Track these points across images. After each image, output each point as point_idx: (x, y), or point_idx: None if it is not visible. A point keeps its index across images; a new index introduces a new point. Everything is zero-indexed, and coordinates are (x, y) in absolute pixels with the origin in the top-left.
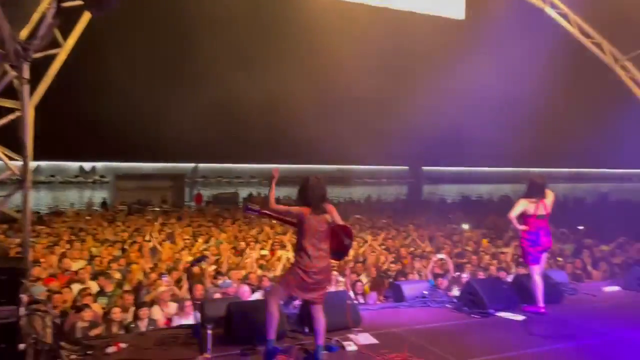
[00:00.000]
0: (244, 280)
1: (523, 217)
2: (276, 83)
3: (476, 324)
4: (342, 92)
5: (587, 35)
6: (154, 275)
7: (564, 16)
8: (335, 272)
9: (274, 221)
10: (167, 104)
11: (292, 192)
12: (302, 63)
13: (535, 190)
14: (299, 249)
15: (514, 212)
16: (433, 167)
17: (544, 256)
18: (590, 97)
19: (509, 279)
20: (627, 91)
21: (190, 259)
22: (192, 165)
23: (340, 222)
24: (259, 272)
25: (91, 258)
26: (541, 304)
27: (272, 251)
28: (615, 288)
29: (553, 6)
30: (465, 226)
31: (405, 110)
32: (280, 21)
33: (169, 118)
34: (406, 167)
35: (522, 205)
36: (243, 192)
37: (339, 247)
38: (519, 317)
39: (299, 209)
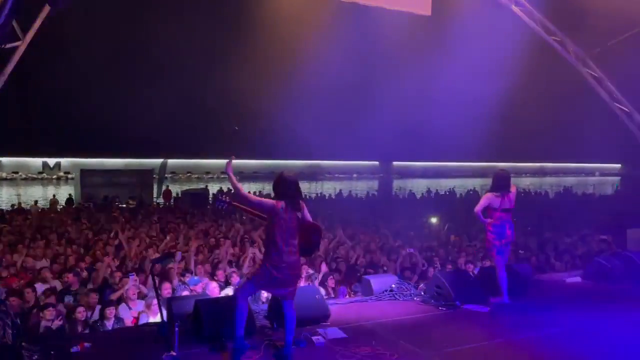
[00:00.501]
0: (213, 277)
1: (489, 211)
2: (247, 78)
3: (443, 316)
4: (312, 87)
5: (551, 33)
6: (120, 274)
7: (529, 14)
8: (305, 266)
9: (244, 216)
10: (135, 98)
11: (263, 187)
12: (273, 58)
13: (500, 185)
14: (269, 243)
15: (480, 207)
16: (403, 162)
17: (508, 249)
18: (554, 93)
19: (475, 271)
20: (589, 88)
21: (157, 256)
22: (161, 160)
23: (309, 219)
24: (228, 268)
25: (55, 256)
26: (506, 295)
27: (242, 247)
28: (577, 279)
29: (517, 4)
30: (434, 220)
31: (375, 105)
32: (249, 15)
33: (136, 112)
34: (377, 162)
35: (488, 200)
36: (213, 188)
37: (307, 244)
38: (485, 309)
39: (273, 202)
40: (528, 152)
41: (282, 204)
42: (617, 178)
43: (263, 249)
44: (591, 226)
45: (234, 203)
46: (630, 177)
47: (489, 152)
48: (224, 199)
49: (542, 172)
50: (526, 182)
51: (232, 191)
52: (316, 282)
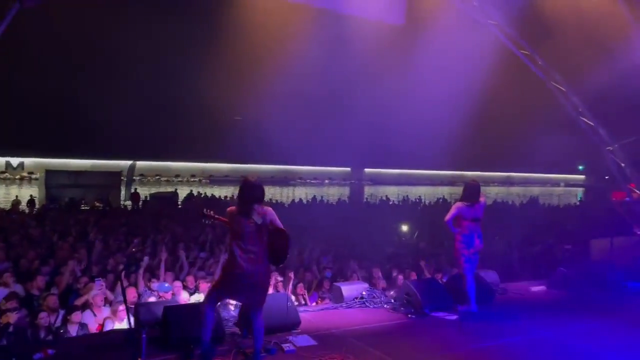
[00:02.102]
0: (182, 283)
1: (458, 220)
2: (219, 81)
3: (412, 324)
4: (285, 93)
5: (520, 47)
6: (86, 279)
7: (500, 28)
8: (275, 274)
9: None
10: (103, 98)
11: (233, 191)
12: (246, 62)
13: (471, 194)
14: (228, 249)
15: (450, 216)
16: (375, 169)
17: (477, 258)
18: (523, 106)
19: (444, 279)
20: (556, 101)
21: (124, 260)
22: (129, 162)
23: (278, 225)
24: (199, 274)
25: (17, 260)
26: (474, 303)
27: (212, 253)
28: (542, 288)
29: (489, 17)
30: (404, 228)
31: (348, 112)
32: (222, 18)
33: (104, 112)
34: (349, 169)
35: (458, 209)
36: (183, 191)
37: (274, 251)
38: (453, 317)
39: (229, 209)
40: (496, 162)
41: (236, 209)
42: (581, 189)
43: (226, 257)
44: (556, 236)
45: (217, 217)
46: (594, 188)
47: (458, 162)
48: (209, 213)
49: (509, 182)
50: (494, 191)
51: (206, 197)
52: (287, 290)
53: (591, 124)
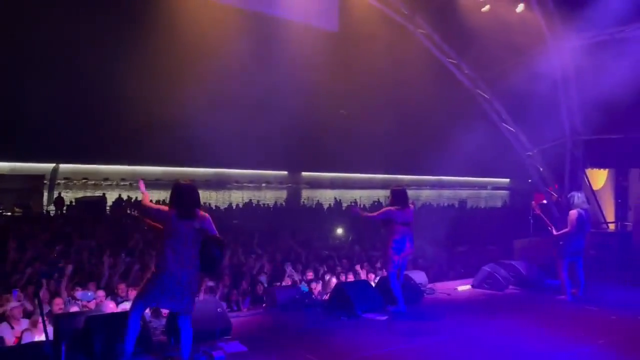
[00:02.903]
0: (107, 291)
1: (391, 225)
2: (151, 81)
3: (344, 326)
4: (220, 95)
5: (448, 56)
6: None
7: (429, 37)
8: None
9: (145, 226)
10: (24, 95)
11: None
12: (179, 63)
13: (398, 199)
14: (158, 253)
15: (377, 214)
16: (311, 173)
17: (406, 260)
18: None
19: (376, 280)
20: (481, 108)
21: (45, 269)
22: (52, 165)
23: (213, 231)
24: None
25: None
26: (402, 304)
27: (141, 259)
28: (467, 287)
29: (418, 27)
30: (339, 230)
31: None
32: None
33: (25, 111)
34: (285, 172)
35: (388, 211)
36: (112, 196)
37: (208, 259)
38: (383, 317)
39: (166, 209)
40: (428, 166)
41: (174, 211)
42: (507, 192)
43: (155, 259)
44: (482, 237)
45: (144, 218)
46: (517, 191)
47: (391, 166)
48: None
49: (440, 185)
50: (425, 194)
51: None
52: (217, 295)
53: (512, 130)
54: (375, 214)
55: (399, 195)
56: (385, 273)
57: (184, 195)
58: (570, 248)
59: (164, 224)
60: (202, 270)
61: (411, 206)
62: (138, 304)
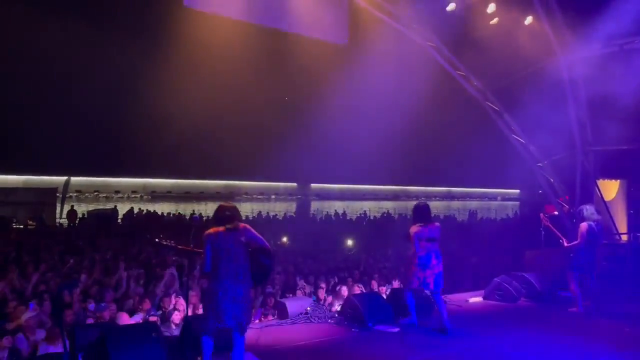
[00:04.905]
0: (121, 302)
1: (416, 242)
2: (163, 94)
3: (355, 338)
4: (231, 108)
5: (457, 68)
6: (15, 302)
7: (438, 50)
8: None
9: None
10: (37, 109)
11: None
12: (191, 76)
13: (421, 215)
14: (211, 273)
15: (413, 240)
16: (321, 184)
17: (438, 278)
18: (461, 124)
19: (388, 292)
20: (491, 120)
21: (59, 281)
22: (65, 178)
23: (259, 239)
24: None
25: None
26: (414, 316)
27: (153, 270)
28: (478, 299)
29: (428, 40)
30: (349, 242)
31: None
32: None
33: (38, 125)
34: (295, 184)
35: (414, 233)
36: (123, 209)
37: (260, 270)
38: (395, 329)
39: (211, 232)
40: (437, 178)
41: (220, 230)
42: (517, 203)
43: (208, 282)
44: (493, 248)
45: (180, 247)
46: (527, 202)
47: (401, 177)
48: (169, 243)
49: (450, 197)
50: (436, 205)
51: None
52: None
53: (522, 141)
54: (412, 244)
55: (419, 212)
56: (396, 285)
57: (225, 211)
58: (580, 260)
59: (211, 245)
60: (255, 280)
61: (436, 224)
62: (205, 340)
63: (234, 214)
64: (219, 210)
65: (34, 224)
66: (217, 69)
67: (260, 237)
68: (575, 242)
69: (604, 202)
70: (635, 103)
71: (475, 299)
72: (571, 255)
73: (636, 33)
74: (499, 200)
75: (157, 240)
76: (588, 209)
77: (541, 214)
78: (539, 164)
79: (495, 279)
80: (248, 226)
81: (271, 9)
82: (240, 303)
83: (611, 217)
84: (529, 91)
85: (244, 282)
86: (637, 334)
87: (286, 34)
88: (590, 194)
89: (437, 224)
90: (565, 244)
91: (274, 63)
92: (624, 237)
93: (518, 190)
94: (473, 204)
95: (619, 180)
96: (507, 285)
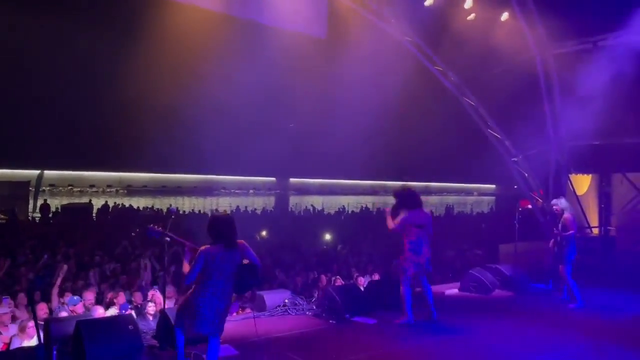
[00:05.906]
0: (96, 296)
1: (405, 227)
2: (140, 87)
3: (333, 329)
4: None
5: (434, 63)
6: None
7: (415, 45)
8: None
9: (133, 233)
10: (7, 101)
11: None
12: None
13: (406, 201)
14: (198, 287)
15: (398, 223)
16: (299, 179)
17: (424, 269)
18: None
19: (365, 285)
20: (467, 115)
21: (31, 275)
22: (37, 171)
23: (253, 258)
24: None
25: None
26: (410, 314)
27: (126, 265)
28: (454, 291)
29: (406, 34)
30: (328, 236)
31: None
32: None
33: (9, 117)
34: (273, 179)
35: (403, 221)
36: (98, 202)
37: (243, 286)
38: (372, 321)
39: (207, 248)
40: (415, 172)
41: (218, 246)
42: (492, 198)
43: (194, 287)
44: (468, 242)
45: (167, 233)
46: (503, 197)
47: (379, 172)
48: (156, 228)
49: (427, 192)
50: None
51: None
52: None
53: (498, 136)
54: (396, 225)
55: (409, 197)
56: (375, 278)
57: (222, 226)
58: (574, 252)
59: (205, 260)
60: (235, 291)
61: (426, 212)
62: (178, 332)
63: (233, 230)
64: (216, 224)
65: (6, 217)
66: (194, 62)
67: (255, 255)
68: (572, 231)
69: (576, 196)
70: (608, 99)
71: (451, 290)
72: (565, 249)
73: (609, 30)
74: (476, 195)
75: (152, 227)
76: (563, 202)
77: (522, 207)
78: (514, 159)
79: (471, 271)
80: (245, 244)
81: (249, 1)
82: (221, 315)
83: (583, 211)
84: (505, 86)
85: (228, 297)
86: (611, 324)
87: (264, 27)
88: (563, 189)
89: (426, 210)
90: (564, 233)
91: (251, 56)
92: (595, 231)
93: (494, 186)
94: (450, 199)
95: (590, 175)
96: (482, 277)
